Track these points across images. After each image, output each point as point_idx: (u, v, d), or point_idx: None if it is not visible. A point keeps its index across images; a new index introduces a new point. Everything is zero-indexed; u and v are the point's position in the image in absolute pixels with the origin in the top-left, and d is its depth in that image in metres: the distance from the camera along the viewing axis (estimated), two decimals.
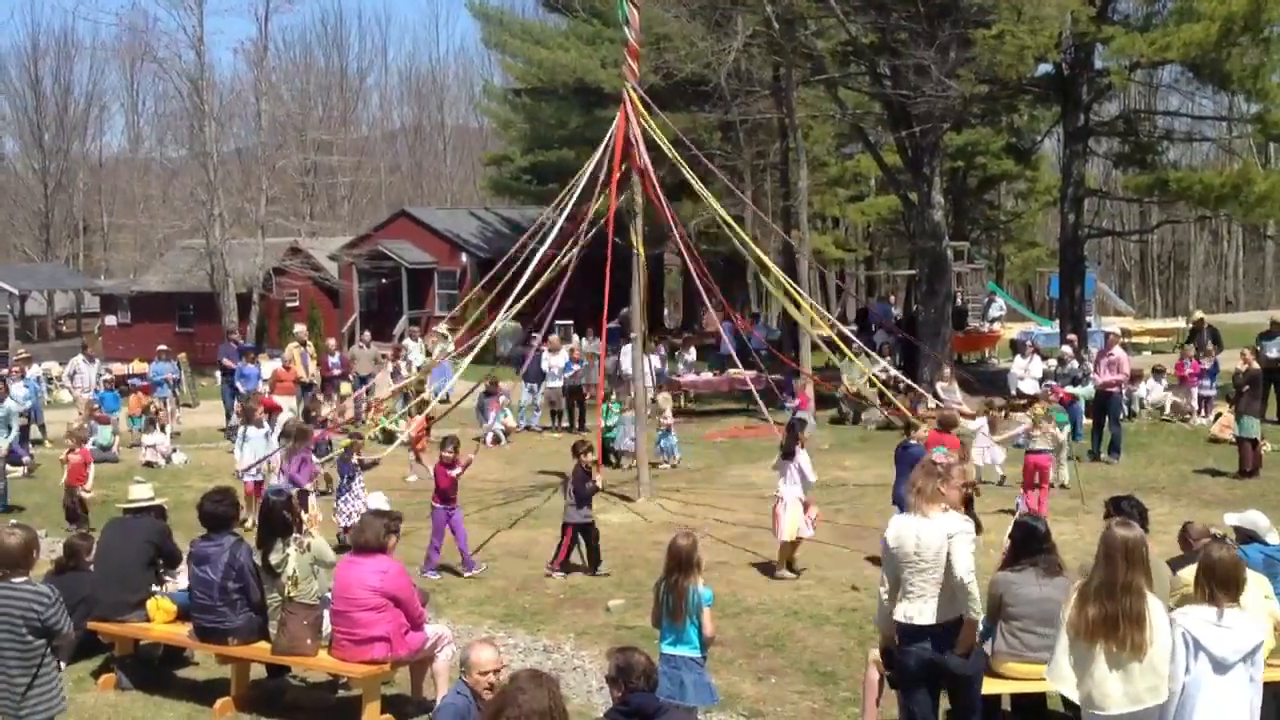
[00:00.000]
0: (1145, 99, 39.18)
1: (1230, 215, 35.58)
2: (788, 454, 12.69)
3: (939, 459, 7.85)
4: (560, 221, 16.94)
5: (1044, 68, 27.42)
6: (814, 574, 12.70)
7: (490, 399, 21.80)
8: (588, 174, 16.75)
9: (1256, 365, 18.76)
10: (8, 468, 19.12)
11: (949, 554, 7.06)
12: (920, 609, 7.11)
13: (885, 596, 7.41)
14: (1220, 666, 6.17)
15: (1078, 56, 26.46)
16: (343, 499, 13.79)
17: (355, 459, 13.90)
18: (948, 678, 7.27)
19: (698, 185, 17.32)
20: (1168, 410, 22.98)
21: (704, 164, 17.13)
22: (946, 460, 7.89)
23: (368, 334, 27.44)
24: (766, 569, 12.91)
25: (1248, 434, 17.75)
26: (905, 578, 7.18)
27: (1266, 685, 7.34)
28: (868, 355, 23.93)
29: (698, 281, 18.15)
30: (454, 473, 13.09)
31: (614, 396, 20.06)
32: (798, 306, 19.74)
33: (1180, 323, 36.84)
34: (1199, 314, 27.98)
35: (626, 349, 21.07)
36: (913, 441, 13.18)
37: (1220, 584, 6.28)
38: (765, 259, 18.84)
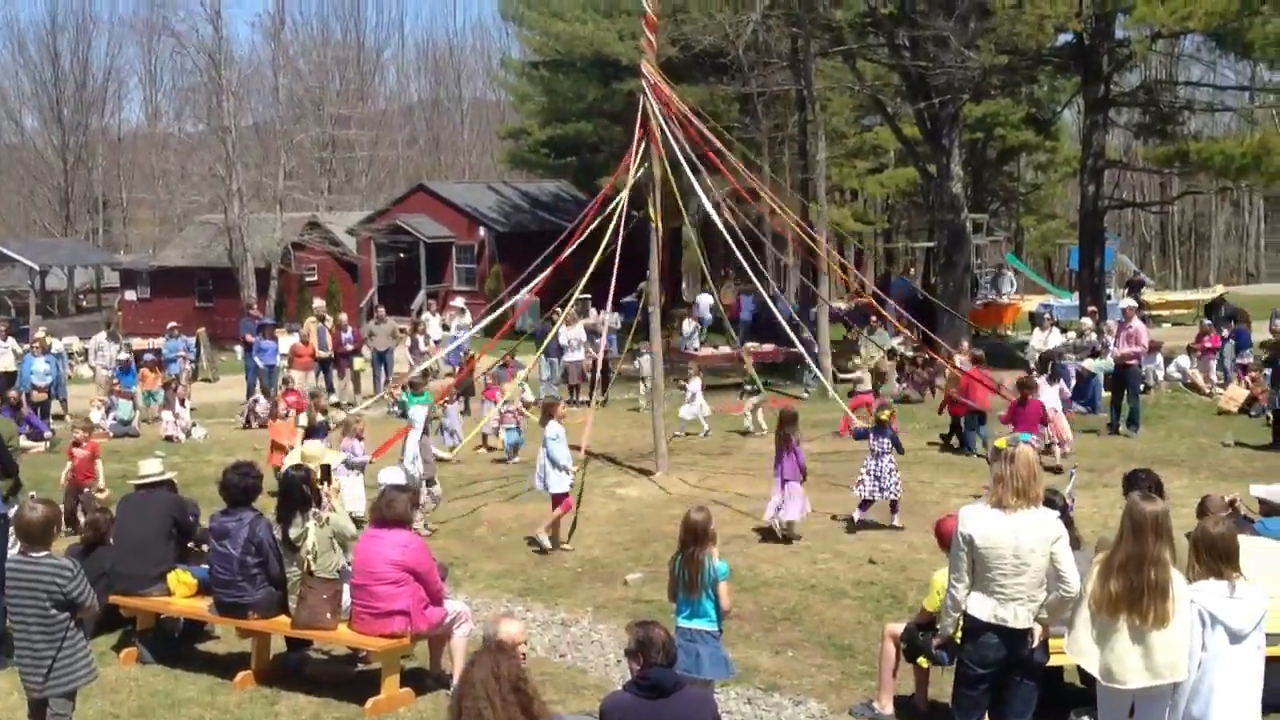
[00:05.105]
0: (1166, 69, 38.85)
1: (1251, 186, 35.35)
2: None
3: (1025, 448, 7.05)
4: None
5: (1064, 37, 27.22)
6: (831, 548, 12.71)
7: (504, 370, 21.75)
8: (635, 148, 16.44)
9: None
10: (30, 444, 19.32)
11: (1055, 560, 6.63)
12: (1016, 612, 6.68)
13: (960, 591, 6.86)
14: (1236, 637, 6.24)
15: (1098, 26, 26.25)
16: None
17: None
18: (1020, 668, 6.86)
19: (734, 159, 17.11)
20: (1189, 382, 22.89)
21: (722, 136, 16.96)
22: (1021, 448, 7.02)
23: (382, 309, 27.08)
24: (782, 543, 12.93)
25: None
26: (995, 578, 6.69)
27: None
28: (886, 329, 23.89)
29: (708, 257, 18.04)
30: None
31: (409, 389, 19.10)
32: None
33: (1200, 295, 36.59)
34: (1221, 288, 27.85)
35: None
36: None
37: (1224, 558, 6.36)
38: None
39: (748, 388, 20.57)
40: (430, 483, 13.99)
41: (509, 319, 19.97)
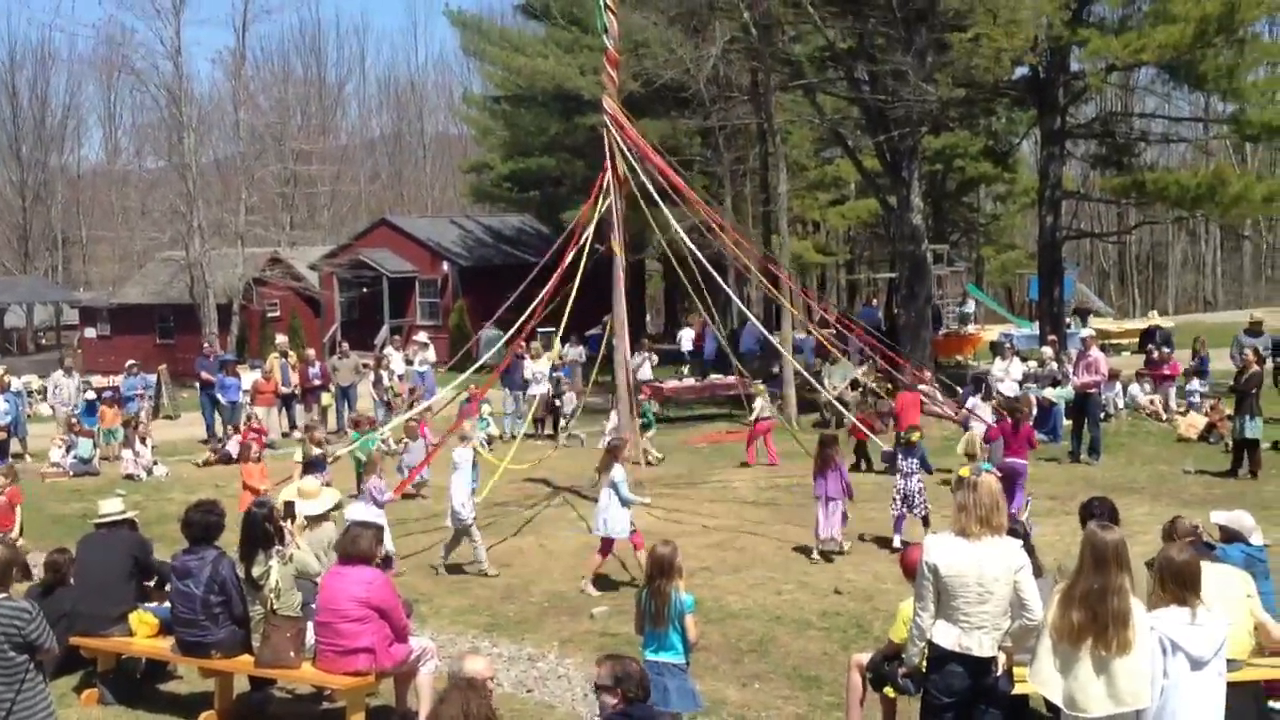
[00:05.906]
0: (1121, 101, 39.26)
1: (1207, 215, 35.78)
2: None
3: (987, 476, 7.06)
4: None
5: (1020, 71, 27.53)
6: (796, 579, 12.74)
7: (469, 405, 21.68)
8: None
9: (1256, 367, 18.59)
10: None
11: (1019, 588, 6.68)
12: (980, 640, 6.72)
13: (925, 620, 6.86)
14: (1198, 665, 6.27)
15: (1054, 59, 26.56)
16: None
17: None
18: (986, 697, 6.89)
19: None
20: (1147, 410, 23.08)
21: (681, 170, 17.09)
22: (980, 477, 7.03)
23: (346, 344, 26.95)
24: (749, 574, 12.94)
25: (1256, 435, 17.68)
26: (959, 606, 6.72)
27: (1245, 684, 7.43)
28: (848, 359, 24.00)
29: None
30: None
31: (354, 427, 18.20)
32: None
33: (1136, 323, 36.94)
34: (1153, 317, 28.20)
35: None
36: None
37: (1187, 585, 6.40)
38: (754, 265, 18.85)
39: (640, 421, 20.60)
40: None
41: (505, 357, 19.71)
